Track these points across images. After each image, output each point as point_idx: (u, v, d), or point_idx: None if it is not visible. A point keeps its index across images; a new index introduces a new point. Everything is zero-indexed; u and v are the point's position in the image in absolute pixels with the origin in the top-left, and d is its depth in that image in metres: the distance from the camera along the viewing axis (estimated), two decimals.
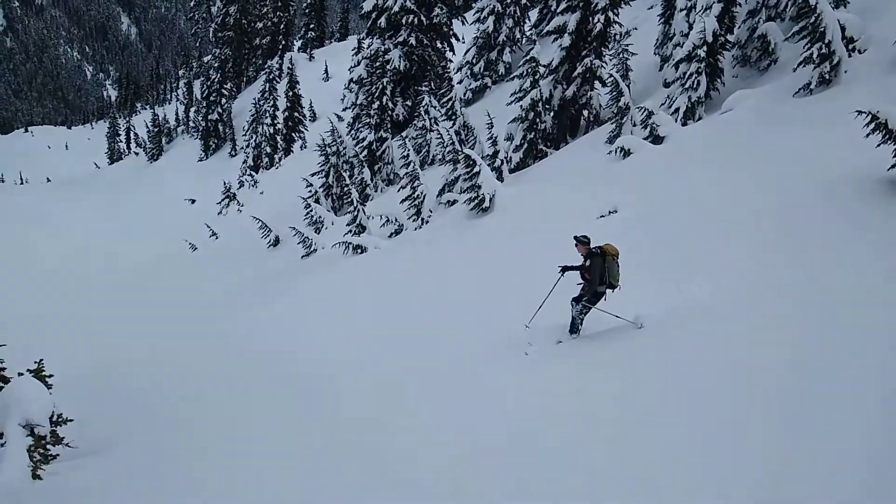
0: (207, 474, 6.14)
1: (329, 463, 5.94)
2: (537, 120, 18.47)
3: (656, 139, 14.29)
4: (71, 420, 7.39)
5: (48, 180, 65.18)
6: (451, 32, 29.42)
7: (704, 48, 14.76)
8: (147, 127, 60.49)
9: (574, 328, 8.87)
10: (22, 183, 71.08)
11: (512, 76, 21.12)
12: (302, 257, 19.91)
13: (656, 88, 18.03)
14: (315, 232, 21.49)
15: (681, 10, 16.86)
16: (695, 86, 14.97)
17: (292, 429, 6.98)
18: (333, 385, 8.31)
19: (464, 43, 30.99)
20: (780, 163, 10.27)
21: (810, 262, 7.64)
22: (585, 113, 18.99)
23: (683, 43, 15.52)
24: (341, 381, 8.42)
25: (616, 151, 14.35)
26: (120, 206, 42.05)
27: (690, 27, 16.04)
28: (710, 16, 14.87)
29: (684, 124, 14.90)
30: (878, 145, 8.32)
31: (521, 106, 18.47)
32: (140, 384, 10.19)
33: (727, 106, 13.86)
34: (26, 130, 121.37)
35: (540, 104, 18.34)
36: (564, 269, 8.85)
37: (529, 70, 18.34)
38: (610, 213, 11.86)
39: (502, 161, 17.80)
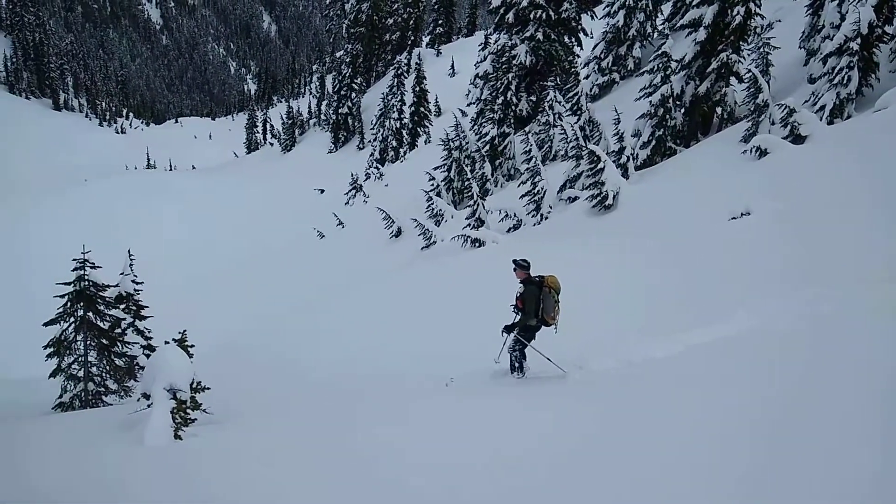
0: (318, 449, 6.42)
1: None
2: (667, 116, 17.83)
3: (797, 138, 13.41)
4: (208, 388, 7.98)
5: (193, 167, 70.39)
6: (579, 27, 28.95)
7: (858, 40, 13.69)
8: (282, 119, 63.82)
9: (513, 367, 8.30)
10: (171, 169, 77.17)
11: (642, 71, 20.48)
12: (421, 248, 20.35)
13: (799, 85, 16.94)
14: (435, 224, 21.91)
15: None
16: (844, 81, 13.92)
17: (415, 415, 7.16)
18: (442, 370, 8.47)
19: (592, 38, 30.35)
20: None
21: None
22: (719, 110, 18.11)
23: (834, 35, 14.46)
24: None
25: (751, 151, 13.61)
26: (254, 193, 44.63)
27: (843, 18, 14.90)
28: (865, 5, 13.76)
29: (830, 123, 13.90)
30: None
31: (651, 102, 17.89)
32: (271, 360, 10.81)
33: (881, 104, 12.76)
34: (176, 121, 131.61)
35: (670, 100, 17.68)
36: (507, 328, 8.18)
37: (660, 65, 17.71)
38: (742, 214, 11.27)
39: (628, 158, 17.35)
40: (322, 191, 42.42)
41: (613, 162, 16.42)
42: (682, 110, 18.16)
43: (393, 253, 22.17)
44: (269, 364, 10.97)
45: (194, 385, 8.05)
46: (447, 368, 8.61)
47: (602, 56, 27.13)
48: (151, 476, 5.83)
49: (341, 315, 14.10)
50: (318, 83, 72.22)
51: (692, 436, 4.93)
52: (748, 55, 18.10)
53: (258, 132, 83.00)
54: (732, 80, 17.53)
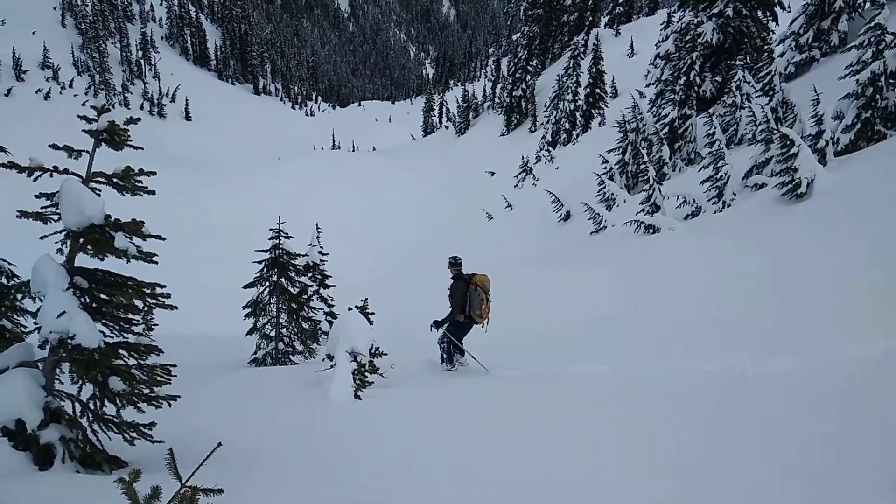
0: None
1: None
2: (877, 96, 15.97)
3: None
4: (385, 354, 8.51)
5: (374, 149, 74.19)
6: (776, 0, 26.70)
7: None
8: (457, 102, 65.30)
9: (442, 359, 8.72)
10: (353, 150, 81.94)
11: (848, 47, 18.47)
12: (591, 233, 20.03)
13: None
14: (606, 209, 21.44)
15: None
16: None
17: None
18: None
19: (790, 11, 27.85)
20: None
21: None
22: None
23: None
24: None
25: None
26: (428, 174, 46.23)
27: None
28: None
29: None
30: None
31: (857, 80, 16.10)
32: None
33: None
34: (359, 104, 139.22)
35: (882, 78, 15.82)
36: (436, 324, 8.70)
37: (872, 39, 15.87)
38: None
39: (827, 143, 15.79)
40: (492, 173, 42.98)
41: (809, 147, 15.05)
42: None
43: (561, 236, 22.03)
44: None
45: (373, 350, 8.62)
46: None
47: (801, 31, 24.81)
48: (333, 426, 6.39)
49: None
50: (493, 66, 73.10)
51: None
52: None
53: (434, 115, 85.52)
54: None
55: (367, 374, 7.93)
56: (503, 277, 19.05)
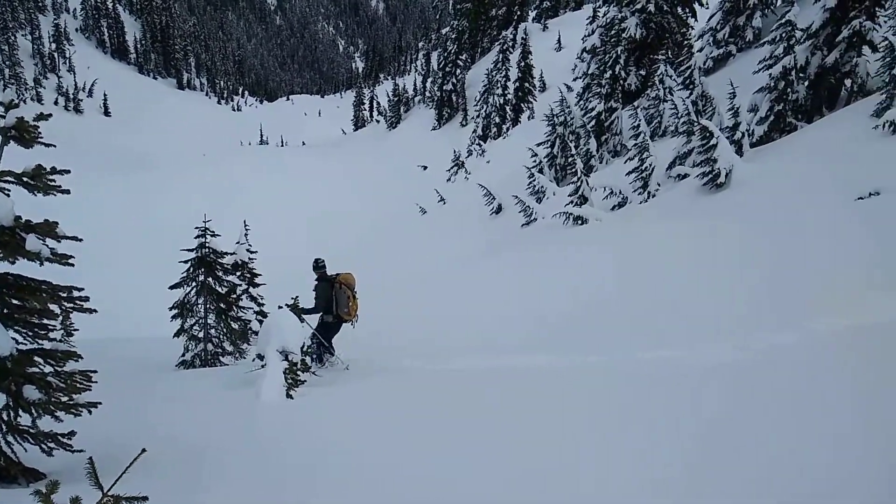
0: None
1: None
2: (788, 90, 16.76)
3: None
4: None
5: (303, 143, 73.01)
6: None
7: None
8: (388, 96, 64.91)
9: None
10: (282, 145, 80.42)
11: (762, 42, 19.31)
12: (522, 226, 20.30)
13: None
14: (536, 201, 21.75)
15: None
16: None
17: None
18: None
19: (707, 8, 28.86)
20: None
21: None
22: (848, 82, 16.82)
23: None
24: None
25: (884, 126, 12.57)
26: (359, 169, 45.83)
27: None
28: None
29: None
30: None
31: (770, 74, 16.86)
32: (380, 330, 11.16)
33: None
34: (287, 99, 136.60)
35: (793, 72, 16.60)
36: (292, 308, 8.74)
37: (783, 35, 16.63)
38: (871, 194, 10.48)
39: (743, 134, 16.47)
40: (425, 167, 42.99)
41: (727, 138, 15.65)
42: (806, 83, 17.02)
43: (493, 229, 22.24)
44: (378, 334, 11.33)
45: (304, 348, 8.49)
46: None
47: (718, 27, 25.77)
48: (265, 426, 6.26)
49: (440, 292, 14.34)
50: (423, 60, 72.97)
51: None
52: (884, 22, 16.65)
53: (365, 109, 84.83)
54: (865, 49, 16.21)
55: (299, 372, 7.80)
56: (438, 271, 19.14)
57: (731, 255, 10.35)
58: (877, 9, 16.06)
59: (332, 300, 8.79)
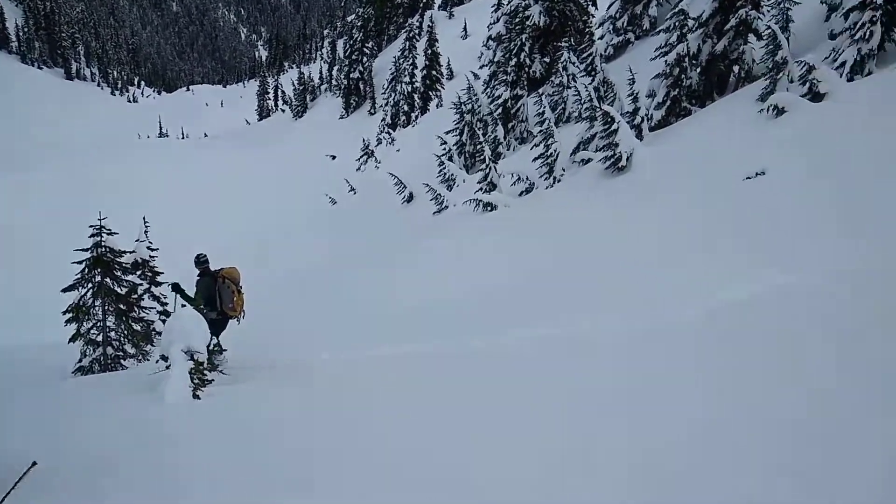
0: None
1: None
2: (682, 76, 17.49)
3: (816, 96, 13.11)
4: (225, 350, 8.09)
5: (205, 135, 70.36)
6: None
7: None
8: (293, 85, 63.48)
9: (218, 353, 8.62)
10: (182, 138, 77.18)
11: (657, 30, 20.04)
12: (433, 213, 20.33)
13: (820, 41, 16.46)
14: (447, 189, 21.83)
15: None
16: (866, 37, 13.51)
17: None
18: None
19: None
20: None
21: None
22: (736, 69, 17.70)
23: None
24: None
25: (768, 109, 13.33)
26: (265, 160, 44.59)
27: None
28: None
29: (850, 80, 13.55)
30: None
31: (666, 61, 17.55)
32: (288, 325, 10.90)
33: None
34: (188, 89, 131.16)
35: (686, 59, 17.33)
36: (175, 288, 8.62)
37: (677, 23, 17.33)
38: (757, 174, 11.09)
39: (642, 119, 17.09)
40: (333, 157, 42.35)
41: (628, 123, 16.18)
42: (699, 69, 17.80)
43: (405, 217, 22.16)
44: (285, 330, 11.08)
45: (211, 347, 8.16)
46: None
47: (617, 15, 26.57)
48: (170, 429, 5.98)
49: (350, 283, 14.18)
50: (329, 48, 71.64)
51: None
52: (768, 11, 17.62)
53: (269, 99, 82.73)
54: (751, 37, 17.10)
55: (205, 372, 7.50)
56: (349, 261, 18.90)
57: (632, 234, 10.72)
58: None
59: (216, 296, 8.40)
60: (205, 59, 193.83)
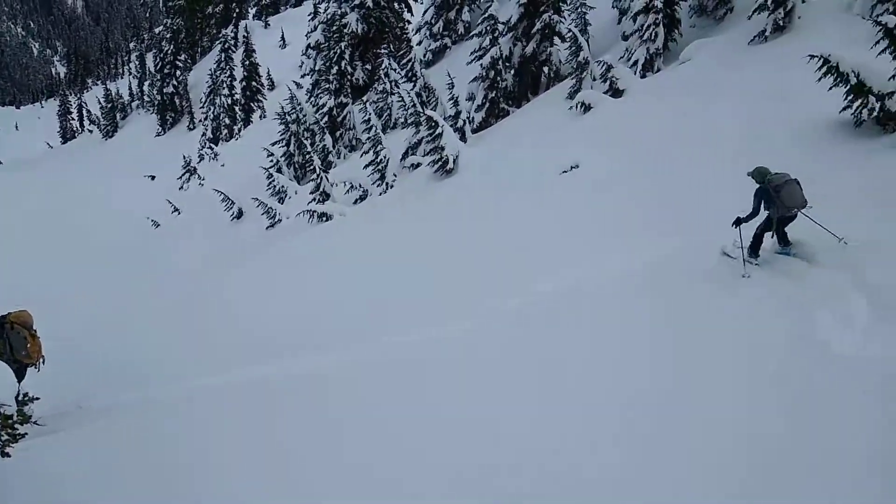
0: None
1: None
2: (498, 78, 18.35)
3: (616, 92, 14.32)
4: (37, 398, 7.30)
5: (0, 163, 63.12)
6: None
7: None
8: (100, 103, 58.65)
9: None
10: None
11: (471, 35, 20.87)
12: (266, 228, 19.73)
13: (615, 42, 17.98)
14: (279, 202, 21.26)
15: None
16: (653, 37, 14.97)
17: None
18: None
19: (421, 3, 30.43)
20: (738, 110, 10.37)
21: None
22: (546, 69, 18.88)
23: None
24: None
25: (576, 107, 14.36)
26: (75, 185, 40.95)
27: None
28: None
29: (643, 76, 14.93)
30: (830, 88, 8.46)
31: (482, 65, 18.32)
32: (108, 359, 10.09)
33: (685, 56, 13.92)
34: None
35: (500, 62, 18.20)
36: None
37: (488, 28, 18.15)
38: (572, 168, 11.91)
39: (465, 121, 17.70)
40: (153, 177, 39.71)
41: (451, 126, 16.69)
42: (512, 71, 18.76)
43: (236, 235, 21.28)
44: (104, 367, 10.20)
45: (20, 397, 7.33)
46: None
47: (433, 21, 27.30)
48: None
49: (174, 312, 13.40)
50: (137, 62, 67.01)
51: None
52: (568, 15, 18.94)
53: (73, 119, 75.88)
54: (556, 40, 18.30)
55: (16, 426, 6.72)
56: (174, 284, 17.79)
57: (461, 235, 11.06)
58: (561, 4, 18.20)
59: (5, 344, 7.39)
60: None
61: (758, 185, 6.60)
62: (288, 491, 4.73)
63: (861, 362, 4.88)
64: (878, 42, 8.07)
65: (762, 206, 6.59)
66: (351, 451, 5.17)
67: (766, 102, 9.97)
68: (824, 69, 8.48)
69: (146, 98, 56.73)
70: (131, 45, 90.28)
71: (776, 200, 6.40)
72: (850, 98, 8.40)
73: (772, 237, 6.83)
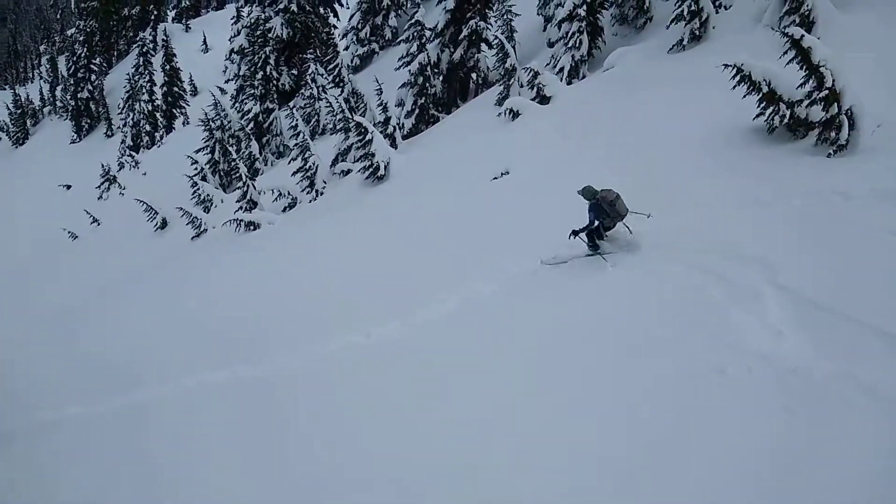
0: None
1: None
2: (427, 84, 18.40)
3: (543, 99, 14.56)
4: None
5: None
6: None
7: (584, 7, 15.08)
8: (8, 109, 55.61)
9: None
10: None
11: (399, 41, 20.87)
12: (192, 238, 19.15)
13: (541, 49, 18.32)
14: (204, 211, 20.65)
15: None
16: (577, 45, 15.31)
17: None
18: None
19: (347, 8, 30.21)
20: (656, 116, 10.69)
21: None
22: (474, 76, 19.05)
23: (564, 2, 15.77)
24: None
25: (505, 113, 14.53)
26: None
27: None
28: None
29: (569, 83, 15.25)
30: (745, 96, 8.83)
31: (410, 70, 18.33)
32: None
33: (608, 63, 14.29)
34: None
35: (428, 68, 18.25)
36: None
37: (415, 34, 18.18)
38: (502, 174, 12.02)
39: (395, 127, 17.65)
40: (69, 186, 37.94)
41: (381, 132, 16.61)
42: (441, 78, 18.83)
43: (159, 246, 20.55)
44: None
45: None
46: None
47: (359, 26, 27.18)
48: None
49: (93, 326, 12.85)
50: (49, 66, 63.82)
51: None
52: (494, 22, 19.18)
53: None
54: (483, 46, 18.50)
55: None
56: (93, 300, 17.06)
57: (394, 240, 11.04)
58: (487, 10, 18.41)
59: None
60: None
61: (590, 202, 7.62)
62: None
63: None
64: (786, 52, 8.48)
65: (595, 217, 7.70)
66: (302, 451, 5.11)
67: (684, 109, 10.33)
68: (738, 77, 8.85)
69: (59, 103, 54.16)
70: (42, 47, 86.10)
71: (609, 212, 7.49)
72: (762, 105, 8.80)
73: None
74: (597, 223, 7.70)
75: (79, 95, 48.05)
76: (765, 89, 8.67)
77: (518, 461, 4.99)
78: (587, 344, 6.21)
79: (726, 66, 8.88)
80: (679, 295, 6.33)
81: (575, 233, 7.84)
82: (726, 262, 6.54)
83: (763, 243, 6.55)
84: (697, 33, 12.74)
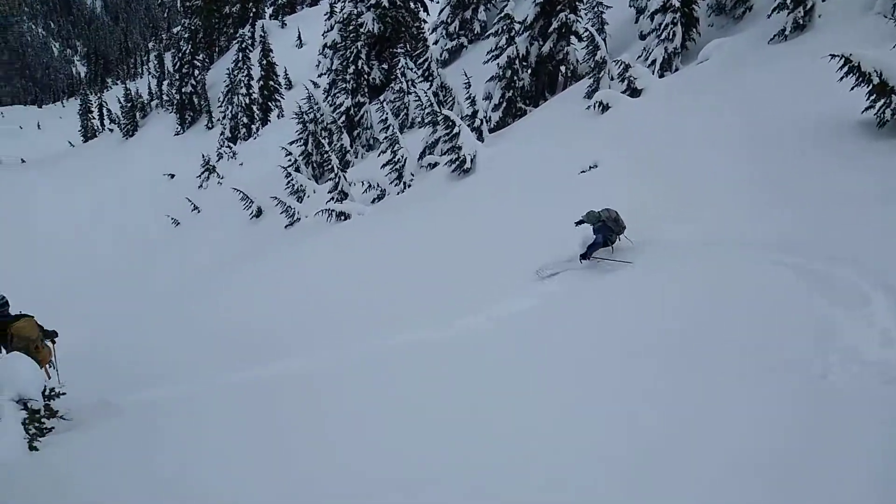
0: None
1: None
2: (515, 78, 18.37)
3: (634, 92, 14.29)
4: (64, 393, 7.45)
5: (22, 161, 64.01)
6: None
7: None
8: (120, 102, 59.30)
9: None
10: None
11: (487, 34, 20.91)
12: (285, 227, 19.88)
13: (633, 41, 17.95)
14: (297, 201, 21.42)
15: None
16: (670, 37, 14.92)
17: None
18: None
19: (437, 3, 30.48)
20: (757, 108, 10.32)
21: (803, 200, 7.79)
22: (563, 69, 18.88)
23: None
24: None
25: (594, 106, 14.34)
26: (97, 184, 41.49)
27: None
28: None
29: (661, 76, 14.89)
30: (852, 88, 8.40)
31: (498, 64, 18.35)
32: (133, 358, 10.26)
33: (703, 55, 13.85)
34: None
35: (517, 61, 18.22)
36: None
37: (504, 27, 18.17)
38: (591, 167, 11.90)
39: (482, 121, 17.73)
40: (172, 175, 40.13)
41: (468, 126, 16.72)
42: (529, 71, 18.77)
43: (255, 233, 21.48)
44: (127, 365, 10.38)
45: (47, 392, 7.47)
46: None
47: (449, 21, 27.35)
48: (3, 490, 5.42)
49: (197, 312, 13.54)
50: (156, 62, 67.55)
51: None
52: (585, 14, 18.92)
53: (94, 118, 76.72)
54: (573, 39, 18.29)
55: (43, 420, 6.87)
56: (197, 282, 18.01)
57: (479, 235, 11.11)
58: (577, 3, 18.17)
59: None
60: (13, 77, 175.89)
61: (596, 225, 8.69)
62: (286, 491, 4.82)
63: None
64: None
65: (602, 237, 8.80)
66: (345, 452, 5.27)
67: (786, 102, 9.92)
68: (845, 68, 8.42)
69: (165, 97, 57.23)
70: (150, 44, 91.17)
71: (614, 228, 8.66)
72: (872, 98, 8.34)
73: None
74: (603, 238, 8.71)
75: (183, 90, 50.61)
76: (875, 80, 8.21)
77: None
78: (693, 345, 5.80)
79: (833, 56, 8.46)
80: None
81: (584, 256, 8.88)
82: (830, 263, 6.23)
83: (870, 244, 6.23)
84: (801, 22, 12.16)
